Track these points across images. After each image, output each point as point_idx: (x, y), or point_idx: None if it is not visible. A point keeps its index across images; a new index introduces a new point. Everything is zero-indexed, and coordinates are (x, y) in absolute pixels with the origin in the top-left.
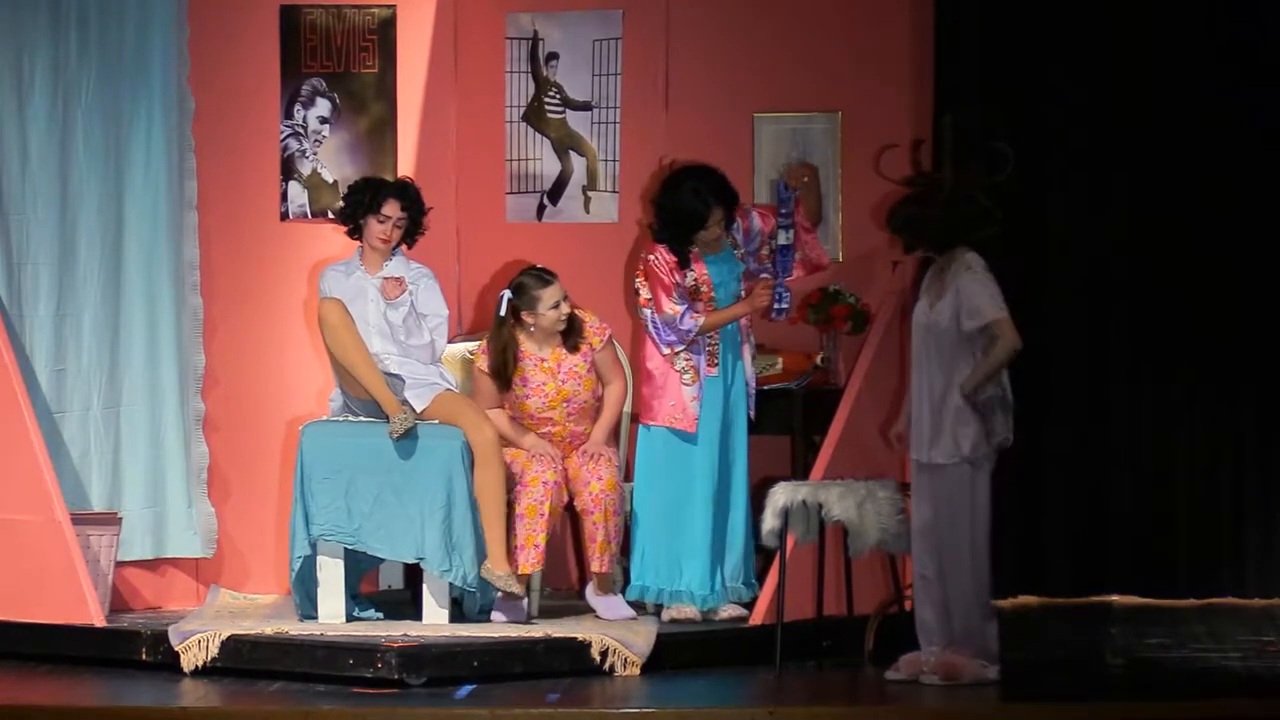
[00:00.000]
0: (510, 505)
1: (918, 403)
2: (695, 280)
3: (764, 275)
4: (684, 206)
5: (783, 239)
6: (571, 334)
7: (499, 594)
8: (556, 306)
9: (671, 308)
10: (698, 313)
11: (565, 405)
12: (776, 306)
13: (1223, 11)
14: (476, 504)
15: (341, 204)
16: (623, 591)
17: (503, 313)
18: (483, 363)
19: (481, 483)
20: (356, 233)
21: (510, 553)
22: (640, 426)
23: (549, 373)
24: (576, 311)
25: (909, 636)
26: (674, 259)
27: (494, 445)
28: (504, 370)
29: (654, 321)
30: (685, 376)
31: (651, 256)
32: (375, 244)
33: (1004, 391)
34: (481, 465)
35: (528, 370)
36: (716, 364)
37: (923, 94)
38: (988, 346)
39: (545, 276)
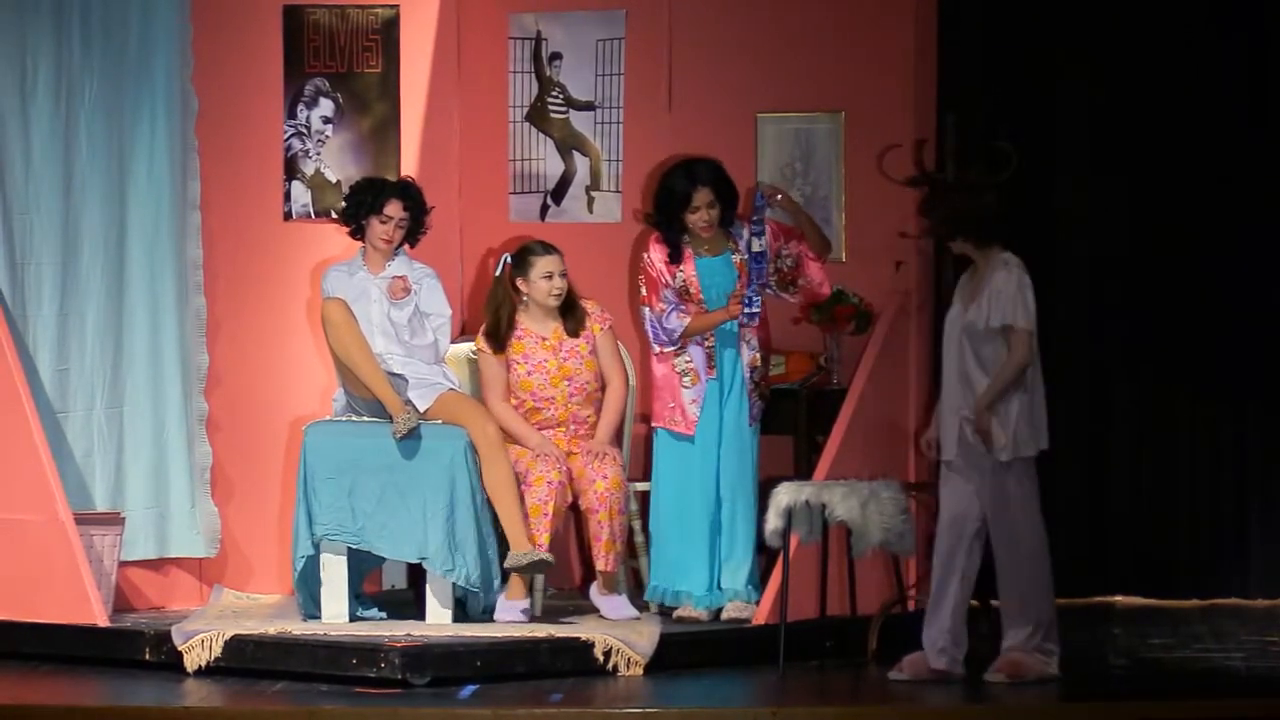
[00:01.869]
0: None
1: (960, 405)
2: (684, 280)
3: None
4: (672, 185)
5: (756, 245)
6: (572, 318)
7: (503, 594)
8: (549, 277)
9: (660, 305)
10: (685, 313)
11: (567, 384)
12: (746, 311)
13: (1227, 9)
14: (482, 503)
15: (344, 204)
16: (640, 592)
17: (497, 272)
18: (483, 344)
19: (492, 479)
20: (359, 233)
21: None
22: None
23: (550, 350)
24: (581, 301)
25: (912, 637)
26: (665, 252)
27: (498, 442)
28: (498, 331)
29: (649, 320)
30: (685, 380)
31: (646, 253)
32: (378, 244)
33: (1030, 399)
34: (488, 462)
35: (528, 347)
36: (714, 366)
37: (926, 93)
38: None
39: (547, 246)
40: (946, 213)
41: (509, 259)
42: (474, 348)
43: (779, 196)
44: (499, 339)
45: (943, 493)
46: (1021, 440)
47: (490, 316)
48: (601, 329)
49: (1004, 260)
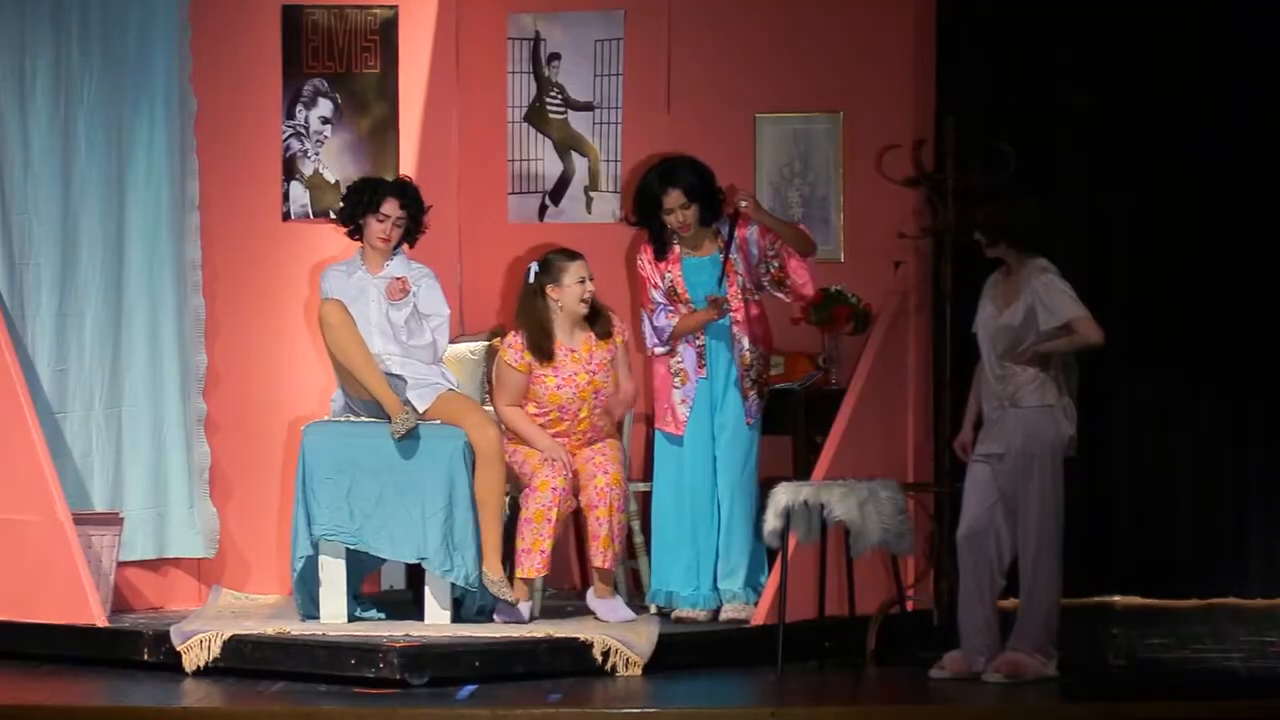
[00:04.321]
0: (516, 508)
1: (993, 405)
2: (671, 280)
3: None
4: (645, 187)
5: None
6: (600, 323)
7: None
8: (582, 282)
9: (649, 305)
10: (673, 313)
11: (595, 397)
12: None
13: (1225, 9)
14: (477, 504)
15: (341, 204)
16: (639, 593)
17: (530, 279)
18: (510, 356)
19: (482, 484)
20: (357, 233)
21: (515, 556)
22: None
23: (580, 362)
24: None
25: (911, 636)
26: (651, 252)
27: (496, 446)
28: (542, 343)
29: (643, 320)
30: (675, 380)
31: (639, 256)
32: (376, 243)
33: (1068, 397)
34: (483, 466)
35: (559, 360)
36: (705, 366)
37: (924, 94)
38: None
39: (572, 252)
40: (992, 219)
41: (536, 267)
42: (472, 349)
43: (742, 204)
44: (546, 351)
45: (965, 496)
46: (1066, 436)
47: (532, 329)
48: (622, 339)
49: (1040, 266)
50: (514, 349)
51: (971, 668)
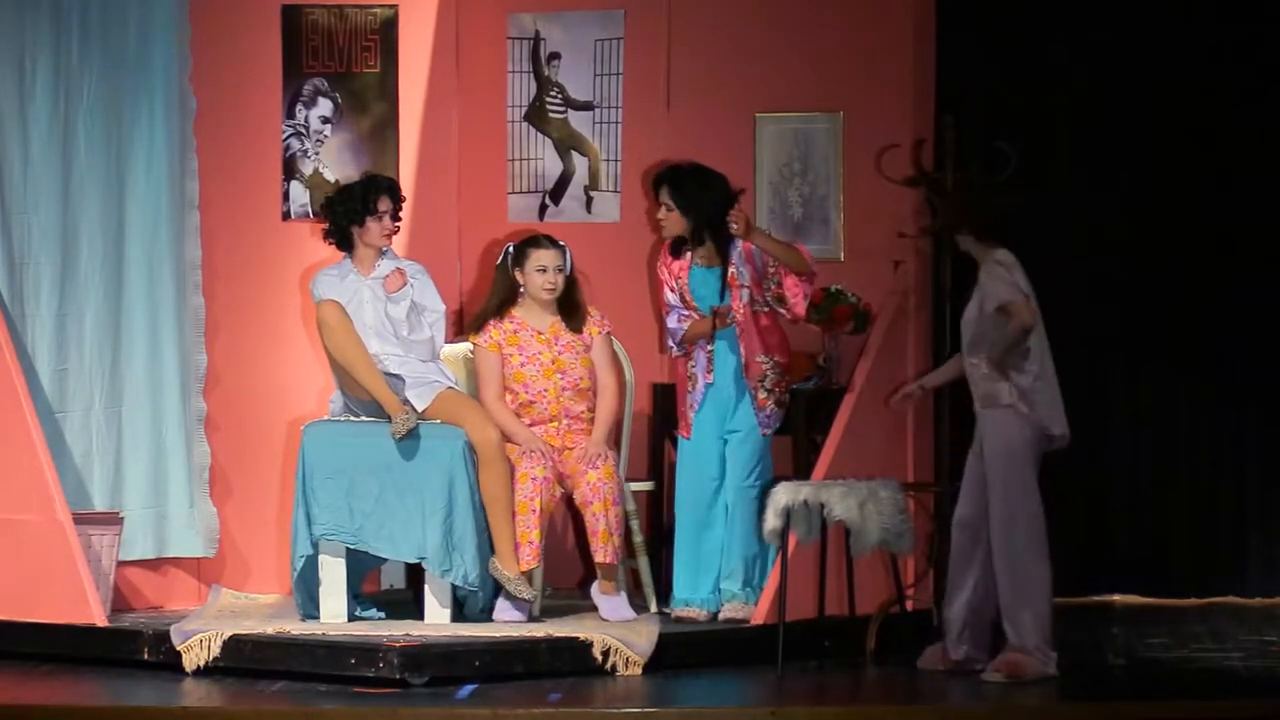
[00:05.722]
0: None
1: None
2: (679, 287)
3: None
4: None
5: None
6: (573, 317)
7: (502, 594)
8: (543, 271)
9: (665, 307)
10: (686, 317)
11: (560, 377)
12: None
13: (1224, 11)
14: (480, 503)
15: (333, 217)
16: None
17: (499, 261)
18: (480, 337)
19: (487, 482)
20: (346, 243)
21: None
22: None
23: (545, 342)
24: (587, 306)
25: (911, 636)
26: (668, 248)
27: (496, 445)
28: (484, 314)
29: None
30: (689, 383)
31: (660, 258)
32: (380, 242)
33: (1045, 382)
34: (485, 465)
35: (523, 339)
36: (712, 370)
37: (924, 94)
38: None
39: (549, 242)
40: (950, 210)
41: (511, 249)
42: (471, 348)
43: (733, 226)
44: (480, 322)
45: (962, 487)
46: (1046, 416)
47: (492, 296)
48: (599, 333)
49: (995, 258)
50: (483, 331)
51: (948, 657)
